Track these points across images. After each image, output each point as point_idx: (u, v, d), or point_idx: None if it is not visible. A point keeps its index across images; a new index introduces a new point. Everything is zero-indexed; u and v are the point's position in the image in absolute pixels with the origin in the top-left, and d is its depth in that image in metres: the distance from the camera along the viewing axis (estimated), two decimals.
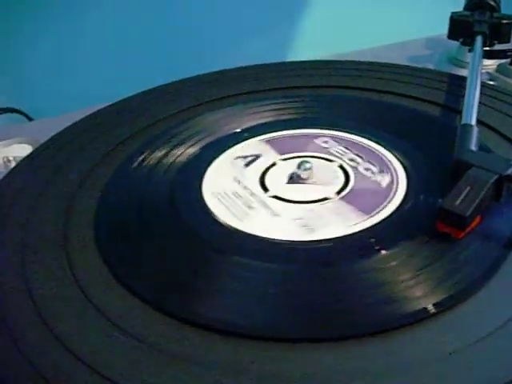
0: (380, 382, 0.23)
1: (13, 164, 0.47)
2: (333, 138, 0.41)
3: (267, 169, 0.38)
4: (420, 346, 0.25)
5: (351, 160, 0.38)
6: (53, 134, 0.44)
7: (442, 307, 0.26)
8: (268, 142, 0.41)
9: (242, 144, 0.41)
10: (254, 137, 0.41)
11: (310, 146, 0.40)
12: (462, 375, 0.23)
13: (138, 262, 0.31)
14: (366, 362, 0.24)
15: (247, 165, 0.38)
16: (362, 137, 0.40)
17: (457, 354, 0.24)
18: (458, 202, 0.29)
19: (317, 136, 0.41)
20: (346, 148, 0.39)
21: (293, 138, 0.41)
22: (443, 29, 0.57)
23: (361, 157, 0.38)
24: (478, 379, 0.23)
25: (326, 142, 0.40)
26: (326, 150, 0.39)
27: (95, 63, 0.78)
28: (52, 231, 0.33)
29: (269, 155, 0.39)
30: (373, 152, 0.39)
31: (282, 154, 0.39)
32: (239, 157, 0.39)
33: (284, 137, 0.41)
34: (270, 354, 0.24)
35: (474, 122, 0.37)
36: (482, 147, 0.36)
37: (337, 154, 0.39)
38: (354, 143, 0.40)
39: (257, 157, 0.39)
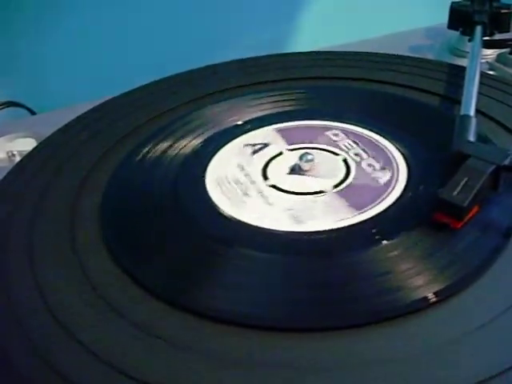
0: (381, 369, 0.23)
1: (17, 158, 0.47)
2: (343, 131, 0.41)
3: (272, 158, 0.38)
4: (421, 334, 0.25)
5: (356, 155, 0.38)
6: (56, 128, 0.44)
7: (443, 296, 0.26)
8: (279, 131, 0.41)
9: (254, 132, 0.41)
10: (262, 127, 0.42)
11: (319, 138, 0.40)
12: (462, 362, 0.23)
13: (144, 253, 0.31)
14: (367, 350, 0.24)
15: (254, 152, 0.39)
16: (370, 130, 0.40)
17: (457, 342, 0.24)
18: (455, 192, 0.29)
19: (328, 128, 0.41)
20: (355, 142, 0.39)
21: (304, 129, 0.41)
22: (443, 18, 0.57)
23: (366, 152, 0.38)
24: (478, 366, 0.23)
25: (336, 134, 0.41)
26: (334, 143, 0.40)
27: (97, 57, 0.78)
28: (59, 223, 0.33)
29: (277, 144, 0.40)
30: (379, 147, 0.39)
31: (290, 144, 0.40)
32: (248, 144, 0.40)
33: (297, 127, 0.42)
34: (274, 343, 0.25)
35: (472, 112, 0.37)
36: (481, 137, 0.36)
37: (344, 148, 0.39)
38: (363, 137, 0.40)
39: (265, 145, 0.39)
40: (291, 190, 0.35)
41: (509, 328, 0.25)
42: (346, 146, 0.39)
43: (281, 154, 0.39)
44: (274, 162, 0.38)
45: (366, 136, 0.40)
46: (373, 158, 0.38)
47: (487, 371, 0.23)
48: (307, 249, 0.30)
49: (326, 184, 0.35)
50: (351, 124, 0.41)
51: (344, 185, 0.35)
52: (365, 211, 0.32)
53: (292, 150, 0.39)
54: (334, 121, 0.42)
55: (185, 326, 0.26)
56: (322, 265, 0.29)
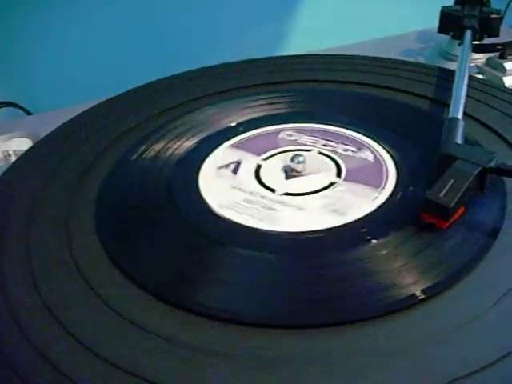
0: (370, 364, 0.24)
1: (13, 158, 0.48)
2: (294, 130, 0.42)
3: (257, 171, 0.38)
4: (409, 330, 0.26)
5: (325, 145, 0.39)
6: (51, 128, 0.44)
7: (430, 293, 0.27)
8: (236, 146, 0.41)
9: (215, 153, 0.40)
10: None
11: (278, 142, 0.41)
12: (449, 357, 0.24)
13: (139, 252, 0.32)
14: (358, 346, 0.25)
15: (234, 171, 0.38)
16: (322, 124, 0.42)
17: (443, 337, 0.25)
18: (442, 193, 0.30)
19: (277, 131, 0.42)
20: (313, 136, 0.41)
21: (257, 139, 0.42)
22: (434, 22, 0.58)
23: (332, 141, 0.39)
24: (464, 361, 0.24)
25: (290, 135, 0.41)
26: (296, 142, 0.40)
27: (93, 58, 0.78)
28: (55, 223, 0.34)
29: (248, 159, 0.39)
30: (339, 134, 0.40)
31: (259, 155, 0.40)
32: (221, 167, 0.39)
33: (248, 139, 0.42)
34: (272, 339, 0.26)
35: (460, 115, 0.38)
36: (468, 140, 0.37)
37: (309, 143, 0.40)
38: (318, 130, 0.41)
39: (238, 163, 0.39)
40: (306, 191, 0.35)
41: (493, 324, 0.26)
42: (309, 142, 0.40)
43: (260, 166, 0.39)
44: (261, 174, 0.38)
45: (321, 129, 0.41)
46: (342, 143, 0.39)
47: (473, 366, 0.23)
48: (298, 248, 0.31)
49: (329, 176, 0.36)
50: (296, 123, 0.43)
51: (344, 172, 0.37)
52: (384, 187, 0.35)
53: (266, 159, 0.39)
54: (278, 124, 0.43)
55: (180, 323, 0.27)
56: (313, 264, 0.30)
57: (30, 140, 0.50)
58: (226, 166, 0.39)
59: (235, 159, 0.40)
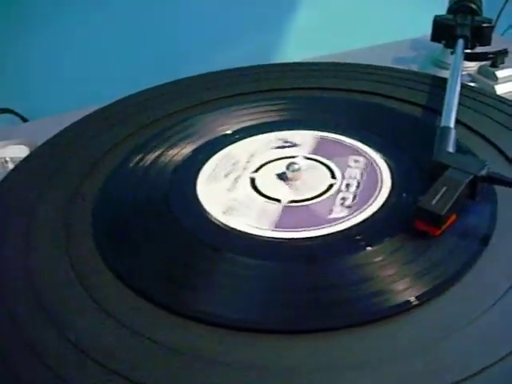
0: (363, 371, 0.25)
1: (10, 165, 0.48)
2: (286, 138, 0.43)
3: (253, 185, 0.38)
4: (402, 336, 0.26)
5: (318, 152, 0.40)
6: (48, 135, 0.45)
7: (424, 299, 0.28)
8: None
9: (212, 160, 0.41)
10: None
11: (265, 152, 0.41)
12: (441, 363, 0.25)
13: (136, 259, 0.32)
14: (352, 352, 0.26)
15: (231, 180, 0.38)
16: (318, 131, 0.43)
17: (436, 343, 0.25)
18: (434, 201, 0.30)
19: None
20: (308, 143, 0.42)
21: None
22: (427, 30, 0.58)
23: (327, 148, 0.40)
24: (456, 366, 0.24)
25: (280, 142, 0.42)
26: (285, 150, 0.41)
27: (89, 64, 0.79)
28: (53, 229, 0.34)
29: (237, 170, 0.39)
30: (336, 142, 0.41)
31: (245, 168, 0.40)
32: (219, 174, 0.39)
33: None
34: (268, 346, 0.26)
35: (452, 124, 0.38)
36: (461, 148, 0.37)
37: (300, 151, 0.41)
38: (314, 137, 0.42)
39: (235, 171, 0.39)
40: (315, 194, 0.36)
41: (485, 330, 0.26)
42: (301, 149, 0.41)
43: (254, 179, 0.38)
44: (258, 187, 0.38)
45: (318, 136, 0.42)
46: (337, 150, 0.40)
47: (465, 371, 0.24)
48: (294, 255, 0.31)
49: (324, 179, 0.37)
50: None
51: (338, 174, 0.38)
52: (383, 186, 0.36)
53: (256, 171, 0.39)
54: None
55: (176, 328, 0.27)
56: (308, 270, 0.30)
57: (26, 147, 0.50)
58: (225, 175, 0.39)
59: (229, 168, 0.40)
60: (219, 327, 0.27)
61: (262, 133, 0.43)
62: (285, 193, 0.37)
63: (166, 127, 0.44)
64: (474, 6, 0.56)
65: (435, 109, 0.44)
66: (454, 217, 0.31)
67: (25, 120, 0.72)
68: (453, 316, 0.27)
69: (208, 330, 0.27)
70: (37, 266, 0.31)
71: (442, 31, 0.57)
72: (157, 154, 0.41)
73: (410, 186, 0.36)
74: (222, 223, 0.34)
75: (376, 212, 0.34)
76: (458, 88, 0.43)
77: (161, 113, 0.47)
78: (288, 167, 0.37)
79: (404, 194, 0.35)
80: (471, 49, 0.55)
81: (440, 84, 0.48)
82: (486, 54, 0.57)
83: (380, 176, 0.37)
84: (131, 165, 0.40)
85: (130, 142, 0.43)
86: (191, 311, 0.28)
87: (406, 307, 0.27)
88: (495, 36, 0.57)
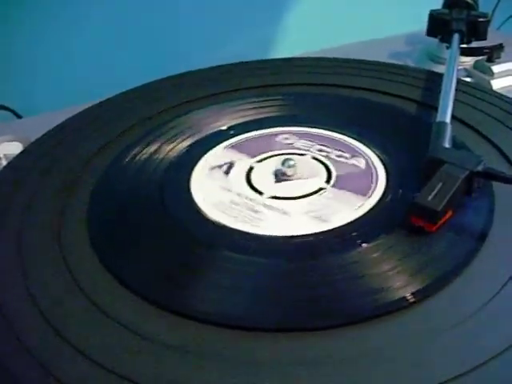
0: (361, 366, 0.25)
1: (3, 161, 0.47)
2: (292, 133, 0.42)
3: (248, 173, 0.38)
4: (399, 332, 0.26)
5: (320, 151, 0.39)
6: (42, 131, 0.44)
7: (420, 296, 0.28)
8: (232, 147, 0.41)
9: (210, 153, 0.40)
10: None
11: (274, 145, 0.41)
12: (437, 360, 0.25)
13: (131, 256, 0.32)
14: (349, 349, 0.25)
15: (226, 173, 0.38)
16: (320, 128, 0.42)
17: (433, 340, 0.25)
18: (430, 197, 0.30)
19: (276, 134, 0.42)
20: (310, 140, 0.41)
21: (254, 140, 0.42)
22: (423, 25, 0.58)
23: (327, 146, 0.40)
24: (453, 363, 0.24)
25: (286, 138, 0.42)
26: (291, 146, 0.41)
27: (83, 61, 0.78)
28: (47, 227, 0.34)
29: (242, 160, 0.40)
30: (336, 140, 0.40)
31: (253, 157, 0.40)
32: (214, 167, 0.39)
33: (245, 140, 0.42)
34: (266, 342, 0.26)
35: (448, 119, 0.38)
36: (457, 143, 0.37)
37: (304, 148, 0.40)
38: (315, 135, 0.42)
39: (231, 164, 0.39)
40: (293, 195, 0.36)
41: (482, 327, 0.26)
42: (304, 146, 0.40)
43: (252, 168, 0.39)
44: (252, 176, 0.38)
45: (317, 133, 0.42)
46: (337, 150, 0.39)
47: (461, 368, 0.24)
48: (290, 252, 0.31)
49: (318, 182, 0.37)
50: (295, 126, 0.43)
51: (333, 178, 0.37)
52: (371, 195, 0.35)
53: (260, 161, 0.39)
54: (278, 126, 0.43)
55: (172, 326, 0.27)
56: (305, 267, 0.30)
57: (20, 144, 0.50)
58: (219, 166, 0.39)
59: (228, 160, 0.40)
60: (213, 325, 0.27)
61: (257, 129, 0.43)
62: (271, 188, 0.36)
63: (160, 124, 0.44)
64: (469, 1, 0.56)
65: (431, 104, 0.44)
66: (450, 213, 0.31)
67: (19, 116, 0.72)
68: (449, 313, 0.27)
69: (202, 327, 0.27)
70: (29, 264, 0.31)
71: (438, 26, 0.56)
72: (151, 150, 0.41)
73: (405, 182, 0.36)
74: (215, 220, 0.34)
75: (372, 209, 0.34)
76: (454, 83, 0.43)
77: (155, 109, 0.47)
78: (283, 163, 0.37)
79: (400, 190, 0.35)
80: (467, 43, 0.55)
81: (436, 79, 0.48)
82: (481, 48, 0.57)
83: (375, 172, 0.37)
84: (125, 161, 0.40)
85: (124, 139, 0.43)
86: (185, 308, 0.28)
87: (402, 304, 0.27)
88: (491, 30, 0.56)
